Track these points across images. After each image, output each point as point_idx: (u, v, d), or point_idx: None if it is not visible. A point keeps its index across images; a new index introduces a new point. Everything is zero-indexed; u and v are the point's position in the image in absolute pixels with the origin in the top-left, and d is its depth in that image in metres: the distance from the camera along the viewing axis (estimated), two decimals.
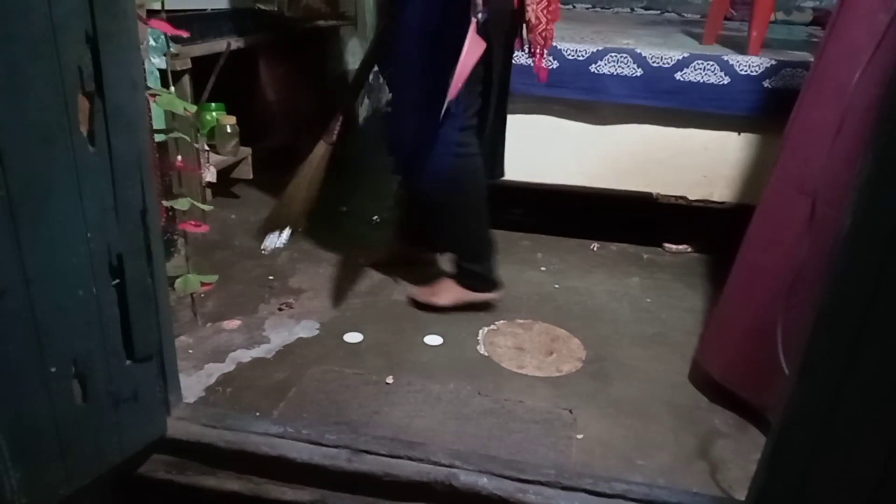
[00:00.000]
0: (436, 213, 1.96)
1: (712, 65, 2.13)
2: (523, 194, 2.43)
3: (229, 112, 2.62)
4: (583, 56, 2.17)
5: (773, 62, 2.11)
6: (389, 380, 1.63)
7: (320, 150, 1.96)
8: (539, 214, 2.61)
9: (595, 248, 2.49)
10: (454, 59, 1.56)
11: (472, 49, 1.58)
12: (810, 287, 1.07)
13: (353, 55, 3.55)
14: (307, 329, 1.84)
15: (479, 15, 1.59)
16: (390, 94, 1.98)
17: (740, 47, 2.24)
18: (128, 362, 1.10)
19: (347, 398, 1.56)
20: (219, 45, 2.32)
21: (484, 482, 1.15)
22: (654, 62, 2.15)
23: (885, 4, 1.25)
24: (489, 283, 1.97)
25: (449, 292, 1.96)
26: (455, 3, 1.60)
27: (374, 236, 2.45)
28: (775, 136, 1.62)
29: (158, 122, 1.73)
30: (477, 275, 1.95)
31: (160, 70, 1.85)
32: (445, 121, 1.70)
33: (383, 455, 1.20)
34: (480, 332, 1.88)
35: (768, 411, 1.44)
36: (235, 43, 2.42)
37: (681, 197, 2.32)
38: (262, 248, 2.03)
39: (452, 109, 1.67)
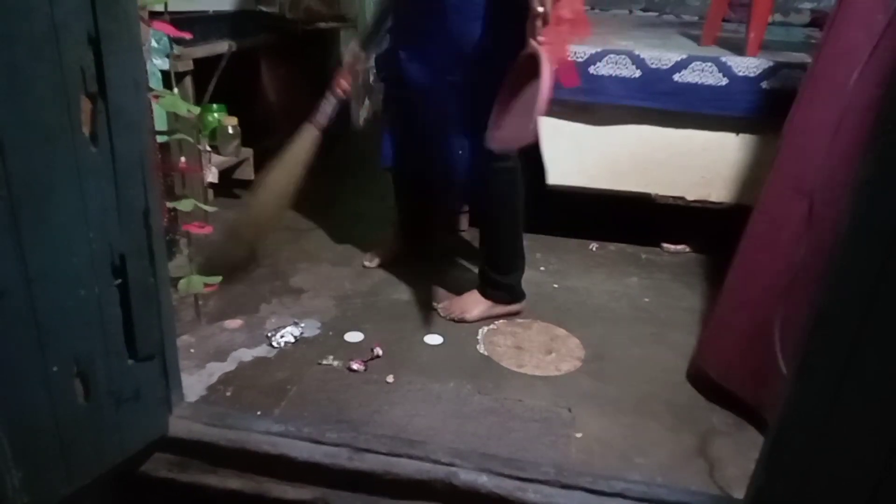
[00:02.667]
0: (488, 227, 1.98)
1: (710, 66, 2.14)
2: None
3: (231, 113, 2.62)
4: (581, 57, 2.17)
5: (771, 63, 2.11)
6: (390, 379, 1.64)
7: (307, 137, 1.93)
8: (539, 214, 2.62)
9: (594, 248, 2.49)
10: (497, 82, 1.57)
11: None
12: (808, 287, 1.07)
13: None
14: (308, 328, 1.85)
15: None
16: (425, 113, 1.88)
17: (738, 49, 2.24)
18: (130, 362, 1.11)
19: (348, 397, 1.56)
20: (220, 47, 2.33)
21: (484, 480, 1.15)
22: (652, 64, 2.16)
23: (883, 5, 1.26)
24: (516, 295, 1.97)
25: (478, 306, 1.94)
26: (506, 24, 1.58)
27: (375, 236, 2.45)
28: (773, 136, 1.63)
29: (160, 123, 1.74)
30: (506, 287, 1.95)
31: (162, 71, 1.85)
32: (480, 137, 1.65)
33: (384, 454, 1.21)
34: (480, 331, 1.89)
35: (766, 410, 1.44)
36: (237, 44, 2.42)
37: (679, 197, 2.33)
38: None
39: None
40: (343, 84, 1.92)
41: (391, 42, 1.96)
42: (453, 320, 1.93)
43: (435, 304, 1.98)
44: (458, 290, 2.02)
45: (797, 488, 0.95)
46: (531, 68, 1.49)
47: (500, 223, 1.92)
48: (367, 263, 2.22)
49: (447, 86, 1.75)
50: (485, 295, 1.95)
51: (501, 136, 1.59)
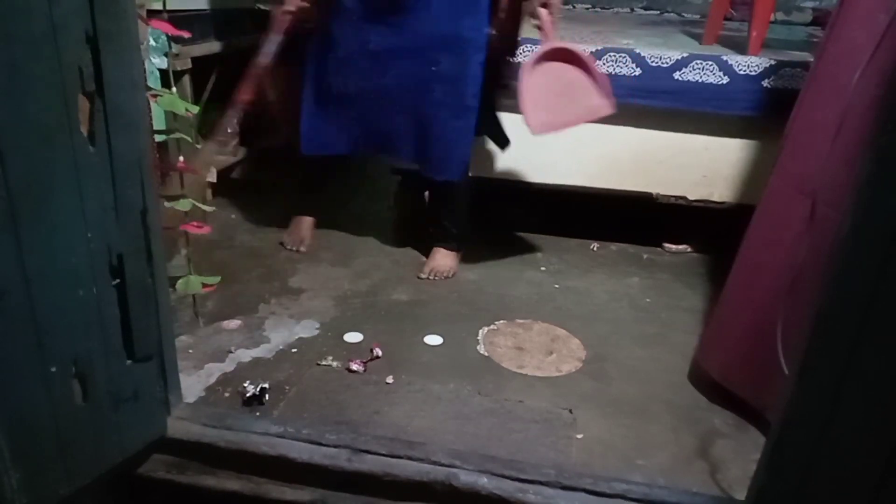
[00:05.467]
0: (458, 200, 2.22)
1: (711, 65, 2.13)
2: (523, 194, 2.43)
3: None
4: None
5: (773, 62, 2.10)
6: (389, 379, 1.63)
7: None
8: (539, 214, 2.62)
9: (595, 248, 2.49)
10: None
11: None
12: (810, 287, 1.07)
13: None
14: (307, 329, 1.84)
15: None
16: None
17: (740, 47, 2.23)
18: (128, 362, 1.10)
19: (347, 398, 1.56)
20: (219, 46, 2.32)
21: (484, 482, 1.15)
22: (652, 62, 2.15)
23: (885, 4, 1.25)
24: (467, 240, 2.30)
25: (453, 260, 2.23)
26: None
27: (375, 237, 2.45)
28: (775, 136, 1.62)
29: (159, 122, 1.73)
30: (467, 236, 2.27)
31: (161, 70, 1.85)
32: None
33: (383, 455, 1.20)
34: (480, 331, 1.88)
35: (768, 411, 1.44)
36: (235, 43, 2.42)
37: (681, 197, 2.32)
38: None
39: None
40: (284, 20, 1.97)
41: (344, 30, 2.04)
42: (446, 278, 2.17)
43: (420, 274, 2.16)
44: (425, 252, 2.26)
45: (798, 489, 0.94)
46: (563, 59, 1.85)
47: (469, 187, 2.19)
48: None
49: (431, 70, 1.95)
50: (454, 249, 2.23)
51: (549, 121, 1.85)
